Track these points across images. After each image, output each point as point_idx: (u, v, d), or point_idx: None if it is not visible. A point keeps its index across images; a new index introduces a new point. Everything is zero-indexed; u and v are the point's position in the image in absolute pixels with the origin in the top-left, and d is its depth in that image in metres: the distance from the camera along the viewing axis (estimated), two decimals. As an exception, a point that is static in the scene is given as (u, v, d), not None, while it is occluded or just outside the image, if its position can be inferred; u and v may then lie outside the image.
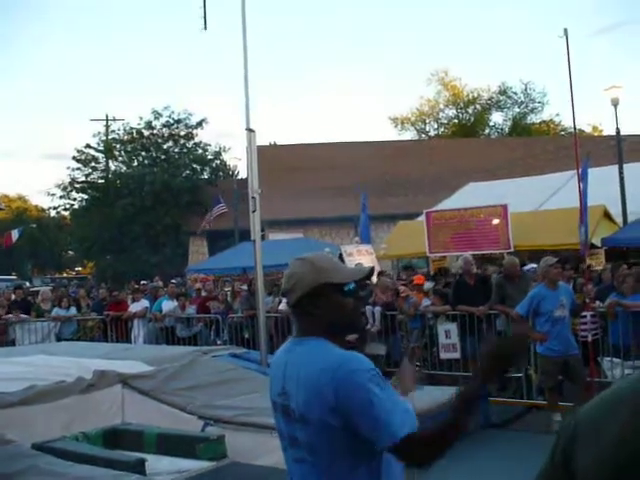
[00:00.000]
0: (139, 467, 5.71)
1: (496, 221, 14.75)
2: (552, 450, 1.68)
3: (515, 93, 54.36)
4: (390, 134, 77.63)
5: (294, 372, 2.60)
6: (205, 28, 9.62)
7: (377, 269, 17.00)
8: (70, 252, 63.27)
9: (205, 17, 9.64)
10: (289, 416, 2.61)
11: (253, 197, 9.19)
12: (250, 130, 9.45)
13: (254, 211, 9.20)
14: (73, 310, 16.34)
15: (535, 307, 9.17)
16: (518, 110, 55.07)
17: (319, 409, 2.46)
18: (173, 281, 19.30)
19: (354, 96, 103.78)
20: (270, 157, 33.08)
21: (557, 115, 54.71)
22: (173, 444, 6.51)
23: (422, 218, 16.41)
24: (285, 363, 2.69)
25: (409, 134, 56.59)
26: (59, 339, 15.12)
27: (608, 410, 1.59)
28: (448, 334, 11.78)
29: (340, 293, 2.68)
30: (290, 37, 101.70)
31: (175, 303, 15.62)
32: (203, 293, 17.43)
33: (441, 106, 56.52)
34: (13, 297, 18.68)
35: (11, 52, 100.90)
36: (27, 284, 39.73)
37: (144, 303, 16.15)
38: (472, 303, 11.54)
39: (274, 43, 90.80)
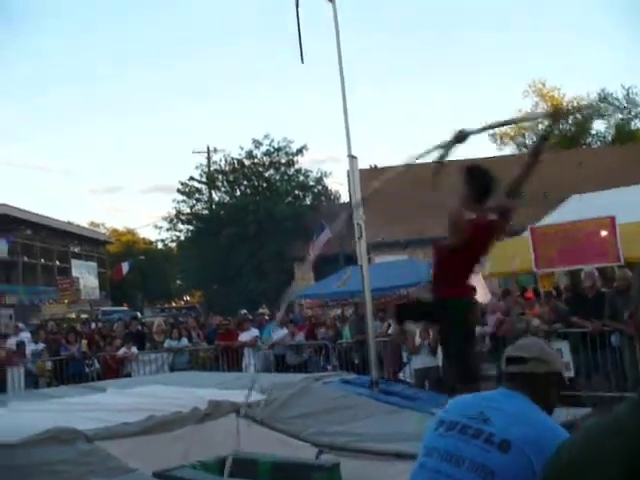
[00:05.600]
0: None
1: (604, 233, 14.34)
2: None
3: (617, 99, 52.88)
4: (490, 150, 76.82)
5: (508, 408, 2.97)
6: (302, 62, 9.62)
7: (484, 288, 16.78)
8: (178, 282, 64.65)
9: (301, 49, 9.63)
10: (473, 437, 2.91)
11: (358, 223, 9.18)
12: (352, 157, 9.47)
13: (360, 237, 9.18)
14: (185, 341, 16.67)
15: None
16: (621, 116, 53.58)
17: (535, 452, 2.74)
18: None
19: (451, 114, 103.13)
20: (371, 180, 33.00)
21: (664, 117, 53.01)
22: (288, 472, 6.55)
23: (527, 234, 16.12)
24: (492, 399, 3.08)
25: (509, 149, 55.86)
26: (172, 369, 15.43)
27: None
28: (560, 353, 11.56)
29: (560, 384, 3.23)
30: (386, 59, 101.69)
31: (285, 331, 15.79)
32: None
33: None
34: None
35: (114, 91, 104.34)
36: (139, 315, 40.75)
37: (254, 332, 16.37)
38: (588, 317, 11.33)
39: (370, 61, 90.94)
